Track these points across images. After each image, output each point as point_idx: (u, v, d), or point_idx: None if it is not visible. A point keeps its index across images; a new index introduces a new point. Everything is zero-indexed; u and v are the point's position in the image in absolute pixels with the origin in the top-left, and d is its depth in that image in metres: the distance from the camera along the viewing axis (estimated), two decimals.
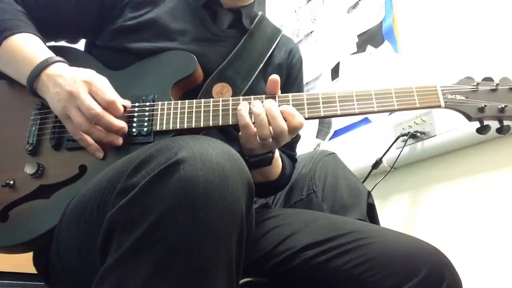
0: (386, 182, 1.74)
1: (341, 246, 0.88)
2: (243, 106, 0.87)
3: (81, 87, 0.84)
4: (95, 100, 0.84)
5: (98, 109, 0.83)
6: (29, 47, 0.91)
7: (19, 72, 0.91)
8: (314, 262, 0.88)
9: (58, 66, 0.89)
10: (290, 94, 0.90)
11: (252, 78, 1.05)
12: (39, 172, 0.88)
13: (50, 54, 0.91)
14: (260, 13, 1.14)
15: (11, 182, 0.88)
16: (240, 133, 0.89)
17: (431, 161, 1.66)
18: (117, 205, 0.60)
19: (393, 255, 0.85)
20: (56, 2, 1.00)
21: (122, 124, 0.85)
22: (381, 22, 1.96)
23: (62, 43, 1.06)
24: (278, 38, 1.14)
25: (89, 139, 0.86)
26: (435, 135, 1.59)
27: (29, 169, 0.87)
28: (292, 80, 1.16)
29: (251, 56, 1.07)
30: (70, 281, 0.83)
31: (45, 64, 0.88)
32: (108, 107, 0.85)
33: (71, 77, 0.85)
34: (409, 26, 1.84)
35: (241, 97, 0.89)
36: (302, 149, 1.32)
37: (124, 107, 0.88)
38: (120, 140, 0.86)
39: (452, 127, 1.52)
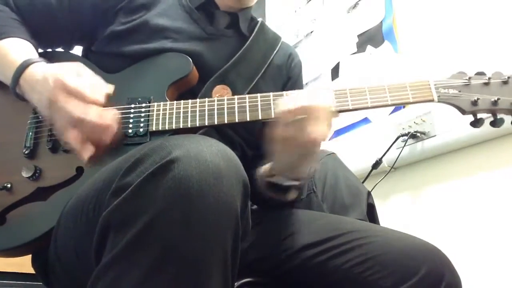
0: (386, 182, 1.74)
1: (341, 246, 0.88)
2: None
3: (58, 92, 0.80)
4: (77, 98, 0.80)
5: (75, 114, 0.79)
6: (13, 51, 0.91)
7: (5, 76, 0.91)
8: (314, 262, 0.88)
9: (33, 68, 0.87)
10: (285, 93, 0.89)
11: (254, 82, 1.05)
12: (36, 174, 0.88)
13: (29, 56, 0.89)
14: (260, 19, 1.14)
15: (9, 185, 0.88)
16: (274, 146, 0.85)
17: (431, 161, 1.66)
18: (111, 205, 0.60)
19: (393, 254, 0.85)
20: (50, 10, 0.99)
21: (107, 121, 0.80)
22: (381, 22, 1.96)
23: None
24: (279, 44, 1.14)
25: (72, 143, 0.81)
26: (435, 135, 1.58)
27: (26, 172, 0.87)
28: (292, 83, 1.15)
29: (255, 59, 1.07)
30: (68, 281, 0.83)
31: (21, 69, 0.87)
32: (91, 103, 0.81)
33: (44, 81, 0.82)
34: (408, 26, 1.84)
35: (236, 97, 0.89)
36: None
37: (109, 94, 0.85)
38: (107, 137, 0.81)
39: (452, 127, 1.52)
